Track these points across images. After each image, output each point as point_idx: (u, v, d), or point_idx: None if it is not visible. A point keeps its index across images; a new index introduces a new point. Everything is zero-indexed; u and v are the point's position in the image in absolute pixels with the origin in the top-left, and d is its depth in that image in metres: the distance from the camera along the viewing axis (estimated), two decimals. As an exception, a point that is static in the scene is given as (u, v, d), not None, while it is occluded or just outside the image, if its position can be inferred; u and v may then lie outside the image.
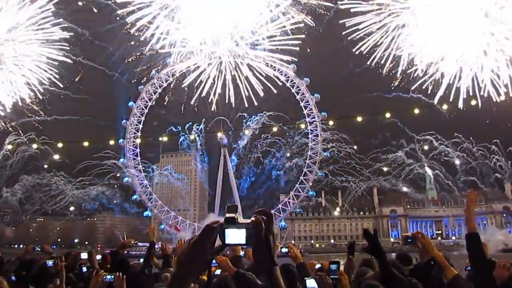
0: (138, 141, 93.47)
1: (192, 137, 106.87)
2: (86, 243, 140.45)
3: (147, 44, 67.48)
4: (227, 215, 1.92)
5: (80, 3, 67.51)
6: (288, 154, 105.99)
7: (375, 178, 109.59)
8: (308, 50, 70.05)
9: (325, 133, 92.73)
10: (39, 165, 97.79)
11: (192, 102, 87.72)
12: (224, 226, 1.92)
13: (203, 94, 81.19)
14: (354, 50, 58.69)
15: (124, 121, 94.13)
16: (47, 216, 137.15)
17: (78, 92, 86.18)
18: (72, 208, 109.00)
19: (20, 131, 77.53)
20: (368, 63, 57.99)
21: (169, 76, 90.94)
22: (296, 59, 78.33)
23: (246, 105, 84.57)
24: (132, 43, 70.13)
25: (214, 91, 79.38)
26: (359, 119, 77.83)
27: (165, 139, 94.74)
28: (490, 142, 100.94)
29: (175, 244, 8.71)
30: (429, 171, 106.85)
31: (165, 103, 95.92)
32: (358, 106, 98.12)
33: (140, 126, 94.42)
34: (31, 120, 73.24)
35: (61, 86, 62.92)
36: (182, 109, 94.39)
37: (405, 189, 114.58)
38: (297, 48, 68.42)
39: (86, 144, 77.31)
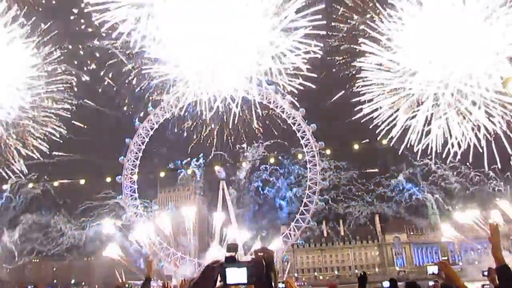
0: (135, 177, 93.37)
1: (190, 171, 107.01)
2: (83, 283, 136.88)
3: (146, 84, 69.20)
4: (227, 254, 1.87)
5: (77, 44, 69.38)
6: (286, 184, 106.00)
7: (377, 204, 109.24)
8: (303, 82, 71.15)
9: (323, 162, 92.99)
10: (42, 206, 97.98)
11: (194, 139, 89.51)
12: (225, 265, 1.87)
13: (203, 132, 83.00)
14: (348, 86, 60.05)
15: (121, 157, 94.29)
16: (44, 257, 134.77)
17: (80, 133, 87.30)
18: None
19: (21, 174, 78.17)
20: (362, 98, 59.04)
21: (165, 112, 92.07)
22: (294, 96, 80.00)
23: (243, 140, 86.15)
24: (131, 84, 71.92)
25: (212, 131, 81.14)
26: (356, 146, 78.58)
27: (162, 174, 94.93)
28: (488, 167, 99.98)
29: (176, 282, 8.51)
30: (430, 197, 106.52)
31: (167, 145, 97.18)
32: (355, 133, 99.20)
33: (138, 162, 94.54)
34: (32, 160, 74.00)
35: (64, 132, 64.07)
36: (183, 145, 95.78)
37: (407, 215, 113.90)
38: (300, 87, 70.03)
39: (83, 182, 77.30)
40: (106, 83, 78.81)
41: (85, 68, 72.92)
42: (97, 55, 74.33)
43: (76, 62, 67.25)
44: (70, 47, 64.86)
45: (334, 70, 60.61)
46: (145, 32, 50.92)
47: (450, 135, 53.95)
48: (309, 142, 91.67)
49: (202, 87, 67.55)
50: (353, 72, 56.71)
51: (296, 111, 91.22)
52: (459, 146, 53.92)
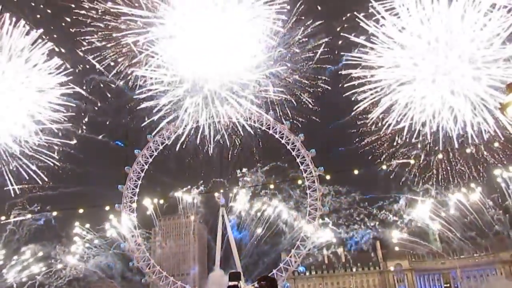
0: (134, 205, 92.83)
1: (190, 198, 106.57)
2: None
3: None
4: (230, 283, 2.11)
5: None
6: (286, 209, 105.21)
7: (380, 229, 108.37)
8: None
9: (323, 187, 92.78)
10: (44, 238, 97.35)
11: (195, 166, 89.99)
12: None
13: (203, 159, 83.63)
14: (352, 113, 61.53)
15: (120, 186, 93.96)
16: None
17: (80, 165, 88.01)
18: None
19: (22, 205, 78.81)
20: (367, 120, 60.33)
21: (165, 139, 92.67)
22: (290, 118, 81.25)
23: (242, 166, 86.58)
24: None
25: (211, 152, 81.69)
26: (356, 172, 78.85)
27: (161, 201, 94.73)
28: (487, 196, 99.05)
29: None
30: (431, 223, 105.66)
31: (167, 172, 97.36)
32: (355, 158, 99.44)
33: (137, 190, 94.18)
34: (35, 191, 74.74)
35: (66, 165, 65.54)
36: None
37: (409, 241, 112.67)
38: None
39: (81, 211, 77.35)
40: (110, 120, 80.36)
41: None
42: (100, 87, 76.12)
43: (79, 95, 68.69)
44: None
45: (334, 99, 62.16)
46: (146, 67, 52.32)
47: (451, 168, 54.38)
48: (308, 168, 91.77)
49: (202, 115, 68.59)
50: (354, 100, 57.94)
51: (296, 137, 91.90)
52: (461, 177, 54.36)
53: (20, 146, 57.98)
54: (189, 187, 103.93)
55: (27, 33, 56.96)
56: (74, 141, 65.43)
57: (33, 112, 56.51)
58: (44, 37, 59.90)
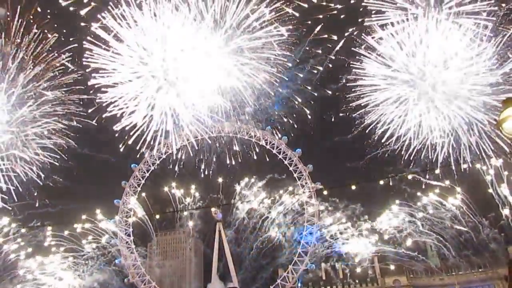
0: (130, 220, 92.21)
1: (187, 213, 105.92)
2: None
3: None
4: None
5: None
6: (282, 223, 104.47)
7: (378, 245, 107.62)
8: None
9: (319, 203, 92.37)
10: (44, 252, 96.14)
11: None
12: None
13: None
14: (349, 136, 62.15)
15: (116, 200, 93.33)
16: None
17: (78, 181, 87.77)
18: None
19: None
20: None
21: (162, 154, 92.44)
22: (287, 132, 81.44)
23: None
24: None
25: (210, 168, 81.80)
26: (353, 187, 78.60)
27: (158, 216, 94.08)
28: (483, 215, 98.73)
29: None
30: (428, 240, 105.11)
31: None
32: (352, 172, 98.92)
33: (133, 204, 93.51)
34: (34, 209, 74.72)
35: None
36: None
37: (407, 256, 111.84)
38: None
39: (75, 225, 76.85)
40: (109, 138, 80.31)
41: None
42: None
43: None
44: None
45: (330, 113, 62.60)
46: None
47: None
48: (306, 183, 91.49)
49: (200, 129, 68.61)
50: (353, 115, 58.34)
51: (293, 152, 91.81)
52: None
53: (22, 166, 58.16)
54: (186, 202, 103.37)
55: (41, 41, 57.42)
56: (73, 161, 65.60)
57: (34, 131, 56.74)
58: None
